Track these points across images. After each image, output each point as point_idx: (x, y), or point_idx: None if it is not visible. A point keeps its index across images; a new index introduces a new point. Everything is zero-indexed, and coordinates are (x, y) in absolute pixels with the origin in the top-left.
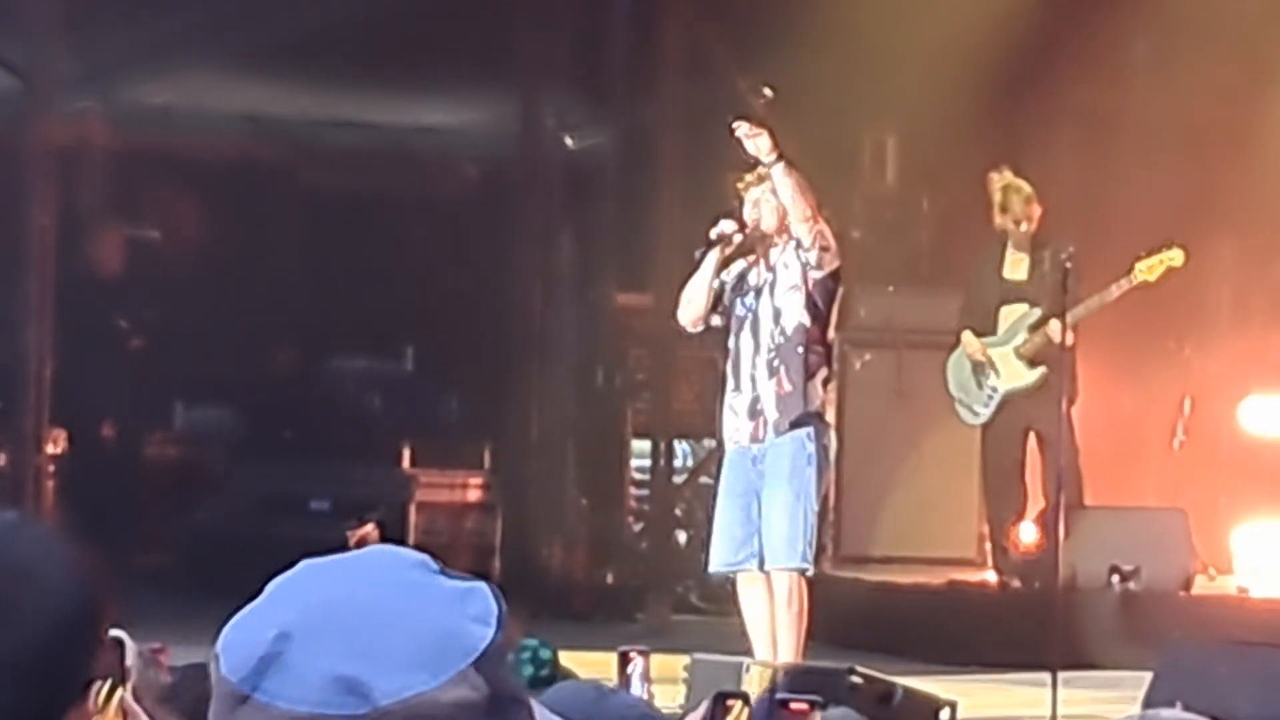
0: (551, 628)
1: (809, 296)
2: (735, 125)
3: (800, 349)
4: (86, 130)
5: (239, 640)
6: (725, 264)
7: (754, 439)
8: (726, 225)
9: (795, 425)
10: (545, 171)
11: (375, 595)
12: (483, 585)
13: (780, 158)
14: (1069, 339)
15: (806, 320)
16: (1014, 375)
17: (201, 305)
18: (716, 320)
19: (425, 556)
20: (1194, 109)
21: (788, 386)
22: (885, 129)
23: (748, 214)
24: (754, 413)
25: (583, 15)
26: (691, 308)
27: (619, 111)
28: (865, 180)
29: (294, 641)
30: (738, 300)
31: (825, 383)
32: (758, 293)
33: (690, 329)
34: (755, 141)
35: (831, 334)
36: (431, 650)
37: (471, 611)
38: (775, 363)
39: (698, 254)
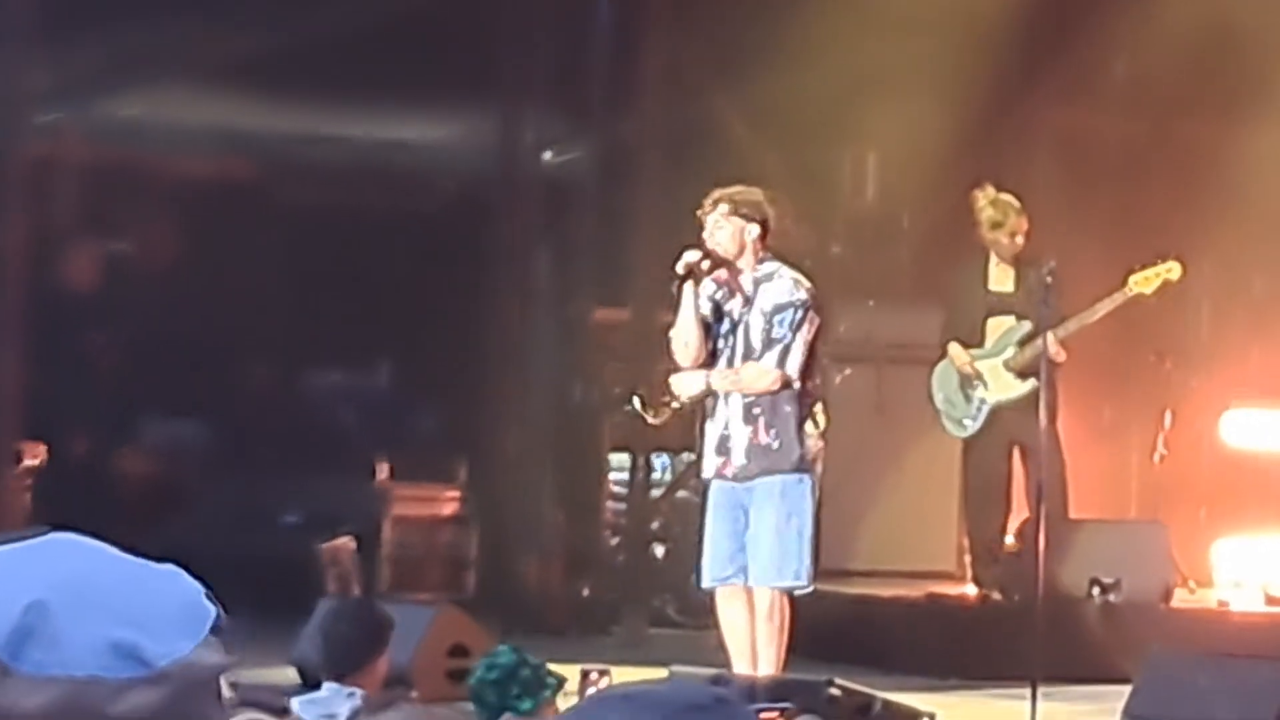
0: (527, 641)
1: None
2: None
3: (788, 406)
4: (59, 144)
5: None
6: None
7: (719, 475)
8: (691, 255)
9: (768, 473)
10: (524, 187)
11: (119, 567)
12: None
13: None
14: (1060, 355)
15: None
16: (1003, 387)
17: (176, 319)
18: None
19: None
20: (1173, 127)
21: (764, 439)
22: (865, 146)
23: (707, 240)
24: (723, 449)
25: (562, 31)
26: (688, 349)
27: (598, 127)
28: (846, 197)
29: (52, 611)
30: (718, 329)
31: (804, 425)
32: (734, 326)
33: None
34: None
35: (816, 380)
36: (185, 617)
37: (192, 585)
38: (755, 410)
39: (674, 287)
